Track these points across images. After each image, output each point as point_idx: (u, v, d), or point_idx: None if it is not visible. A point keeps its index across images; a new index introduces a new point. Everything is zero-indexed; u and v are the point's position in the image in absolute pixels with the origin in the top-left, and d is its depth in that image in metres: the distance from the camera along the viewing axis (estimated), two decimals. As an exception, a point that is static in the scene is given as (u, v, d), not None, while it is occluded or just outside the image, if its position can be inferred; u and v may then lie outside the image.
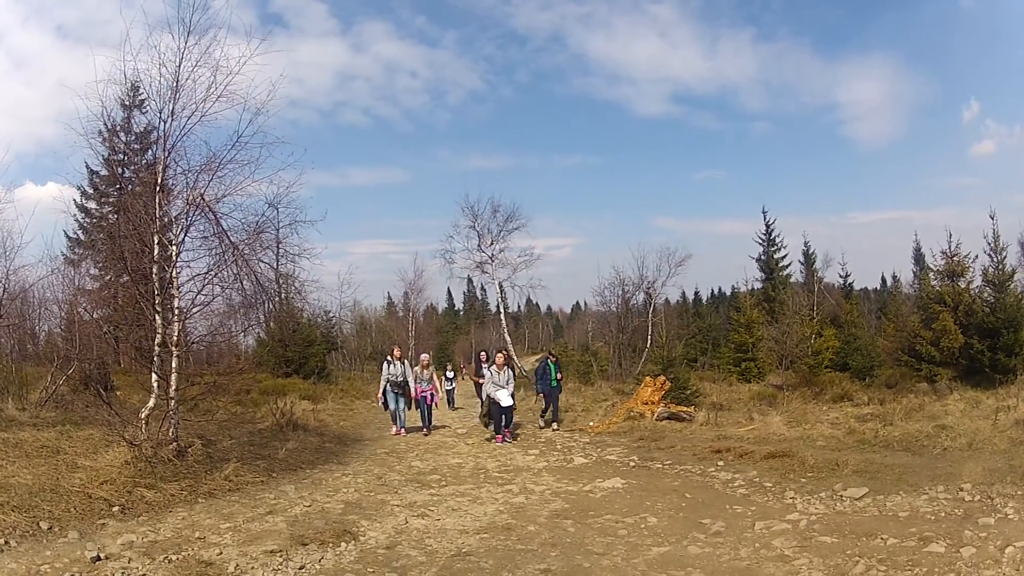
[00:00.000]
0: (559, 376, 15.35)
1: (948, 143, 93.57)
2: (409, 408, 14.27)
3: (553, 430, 14.07)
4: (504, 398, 12.68)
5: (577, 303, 69.91)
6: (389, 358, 14.28)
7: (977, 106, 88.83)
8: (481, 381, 15.33)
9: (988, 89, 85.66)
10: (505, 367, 13.33)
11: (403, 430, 13.93)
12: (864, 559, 5.41)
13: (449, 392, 21.12)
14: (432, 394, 14.38)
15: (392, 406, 14.01)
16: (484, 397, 14.10)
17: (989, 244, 23.65)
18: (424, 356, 15.53)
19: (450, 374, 22.26)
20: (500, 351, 15.07)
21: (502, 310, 37.29)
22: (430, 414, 14.43)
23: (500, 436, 12.55)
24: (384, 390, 13.98)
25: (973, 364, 21.51)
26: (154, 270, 9.07)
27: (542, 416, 15.15)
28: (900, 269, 62.75)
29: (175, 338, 9.01)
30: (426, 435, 13.67)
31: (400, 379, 13.83)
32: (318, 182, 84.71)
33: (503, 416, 12.81)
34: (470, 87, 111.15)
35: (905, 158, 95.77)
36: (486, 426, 13.94)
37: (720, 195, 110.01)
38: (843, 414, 12.87)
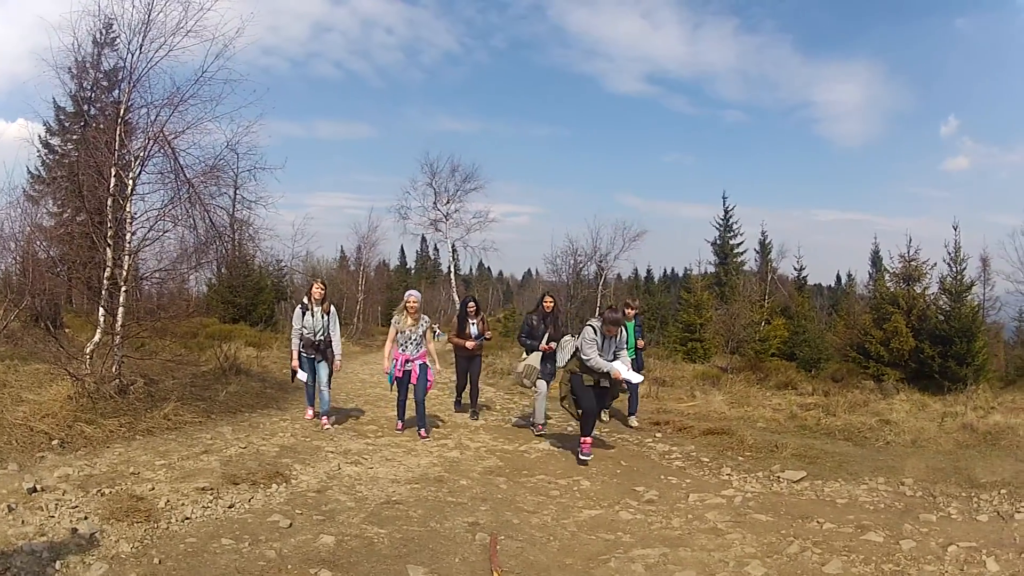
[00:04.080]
0: (639, 342, 10.36)
1: (921, 154, 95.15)
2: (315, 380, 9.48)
3: (631, 427, 10.17)
4: (633, 375, 8.30)
5: (529, 271, 70.18)
6: (305, 301, 9.35)
7: (956, 123, 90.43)
8: (468, 345, 10.34)
9: (970, 108, 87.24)
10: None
11: (325, 418, 9.28)
12: (799, 540, 5.44)
13: None
14: (423, 365, 9.02)
15: (306, 378, 9.39)
16: (566, 374, 8.50)
17: (950, 254, 24.12)
18: (412, 295, 9.18)
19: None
20: (628, 305, 10.46)
21: (453, 270, 37.38)
22: (420, 407, 9.05)
23: (588, 442, 7.94)
24: (300, 353, 9.29)
25: (922, 368, 21.89)
26: (109, 203, 9.00)
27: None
28: (856, 269, 63.79)
29: (124, 274, 8.95)
30: (424, 436, 8.83)
31: (321, 337, 9.23)
32: (283, 131, 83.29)
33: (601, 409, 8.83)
34: (446, 48, 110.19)
35: (875, 163, 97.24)
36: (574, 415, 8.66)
37: (686, 179, 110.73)
38: (786, 401, 12.82)
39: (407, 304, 9.08)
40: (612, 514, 6.10)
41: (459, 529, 5.45)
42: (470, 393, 10.76)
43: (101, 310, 9.24)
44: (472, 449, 8.44)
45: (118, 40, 10.16)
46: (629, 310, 10.33)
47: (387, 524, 5.45)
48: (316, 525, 5.33)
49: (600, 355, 7.98)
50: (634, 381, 8.43)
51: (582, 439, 7.94)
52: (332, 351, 9.34)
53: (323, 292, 9.52)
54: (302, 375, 9.39)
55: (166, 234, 9.61)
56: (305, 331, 9.27)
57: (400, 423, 9.37)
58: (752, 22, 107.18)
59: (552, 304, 9.98)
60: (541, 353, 9.49)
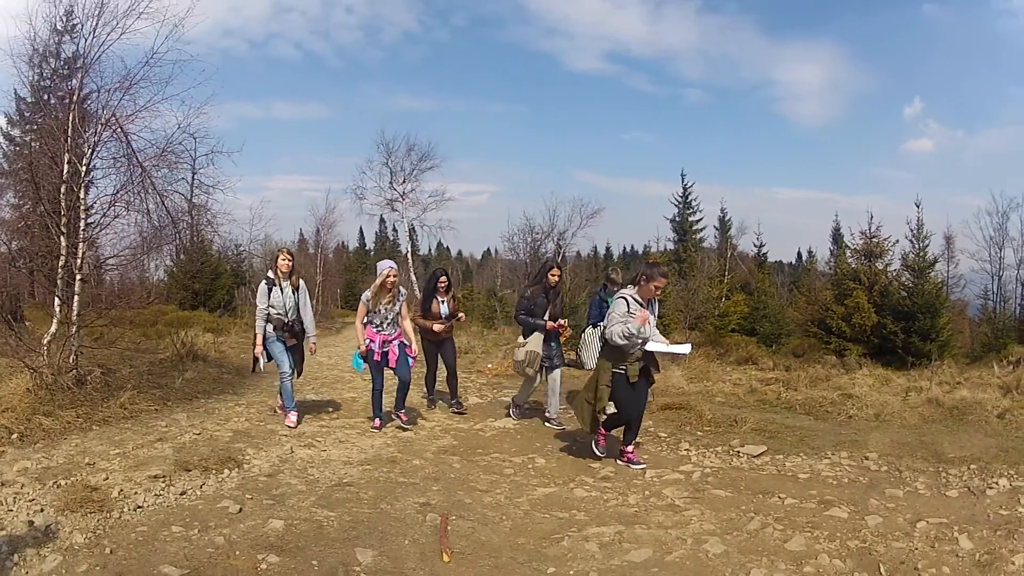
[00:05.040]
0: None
1: (884, 135, 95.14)
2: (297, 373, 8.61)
3: None
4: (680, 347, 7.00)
5: (488, 249, 70.24)
6: (271, 276, 8.26)
7: (921, 105, 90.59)
8: (435, 328, 9.18)
9: (936, 92, 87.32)
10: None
11: (293, 414, 8.28)
12: (760, 515, 5.42)
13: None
14: (402, 344, 8.17)
15: (284, 365, 8.23)
16: (604, 374, 6.79)
17: (912, 231, 24.58)
18: (389, 267, 8.17)
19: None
20: (610, 279, 8.87)
21: (410, 251, 37.31)
22: (404, 389, 8.28)
23: (631, 450, 7.00)
24: (265, 337, 8.21)
25: (885, 344, 22.29)
26: (62, 190, 8.93)
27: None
28: (817, 247, 64.61)
29: (79, 262, 8.88)
30: (406, 428, 8.24)
31: (292, 316, 8.24)
32: (241, 113, 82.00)
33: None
34: (405, 27, 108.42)
35: (837, 142, 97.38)
36: (599, 428, 7.00)
37: (646, 157, 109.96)
38: (746, 376, 12.89)
39: (386, 278, 8.02)
40: (567, 492, 6.08)
41: (410, 510, 5.47)
42: (448, 381, 9.49)
43: (57, 300, 9.15)
44: (426, 429, 8.43)
45: (77, 27, 10.10)
46: (612, 285, 8.81)
47: (337, 507, 5.46)
48: (266, 510, 5.34)
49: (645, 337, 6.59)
50: (685, 352, 7.01)
51: (626, 450, 6.96)
52: (305, 332, 8.38)
53: (291, 263, 8.36)
54: (262, 365, 8.35)
55: (118, 219, 9.52)
56: (273, 311, 8.16)
57: (378, 420, 8.25)
58: (715, 2, 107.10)
59: (559, 277, 8.74)
60: (543, 336, 8.44)
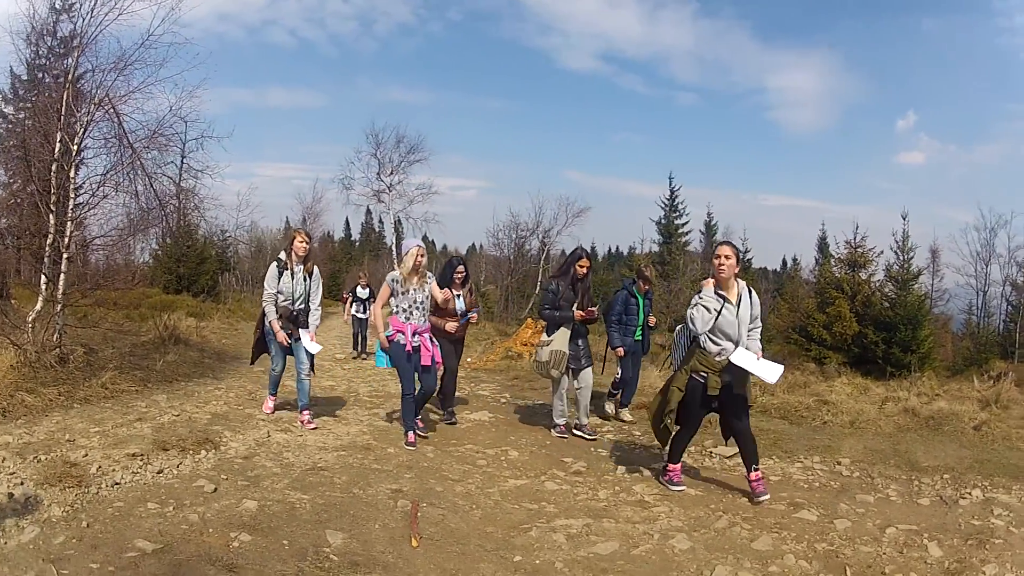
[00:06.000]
0: (650, 318, 8.81)
1: (876, 146, 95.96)
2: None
3: (624, 420, 8.78)
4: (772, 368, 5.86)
5: (473, 245, 70.34)
6: (283, 258, 7.60)
7: (914, 118, 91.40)
8: (448, 327, 8.03)
9: (930, 106, 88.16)
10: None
11: (306, 413, 7.73)
12: (728, 515, 5.46)
13: (360, 323, 14.00)
14: (429, 338, 7.28)
15: (276, 361, 7.81)
16: (682, 375, 5.99)
17: (897, 242, 24.81)
18: (413, 244, 7.19)
19: (363, 292, 14.39)
20: (642, 275, 8.52)
21: (396, 243, 37.64)
22: (425, 399, 7.62)
23: (675, 469, 6.22)
24: (266, 327, 7.68)
25: (866, 353, 22.43)
26: (53, 168, 9.02)
27: (612, 394, 9.00)
28: (802, 255, 65.12)
29: (67, 241, 8.96)
30: (451, 423, 8.14)
31: (301, 306, 7.61)
32: (234, 98, 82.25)
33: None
34: (400, 19, 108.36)
35: (827, 152, 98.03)
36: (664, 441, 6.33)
37: (635, 158, 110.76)
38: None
39: (416, 258, 7.01)
40: (538, 484, 6.14)
41: (382, 496, 5.56)
42: (444, 388, 8.45)
43: (43, 278, 9.24)
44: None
45: (75, 7, 10.20)
46: (645, 283, 8.57)
47: (310, 490, 5.56)
48: (240, 490, 5.43)
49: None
50: (774, 375, 5.84)
51: (671, 466, 6.25)
52: (308, 322, 7.71)
53: (308, 247, 7.67)
54: (275, 356, 7.75)
55: (106, 200, 9.65)
56: (281, 297, 7.51)
57: (413, 433, 7.27)
58: (711, 7, 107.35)
59: (588, 267, 7.80)
60: (570, 332, 7.65)
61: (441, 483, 6.03)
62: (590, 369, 7.85)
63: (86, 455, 5.85)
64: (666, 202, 42.65)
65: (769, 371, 5.80)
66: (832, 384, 13.32)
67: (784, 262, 66.73)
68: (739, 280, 5.87)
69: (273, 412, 8.06)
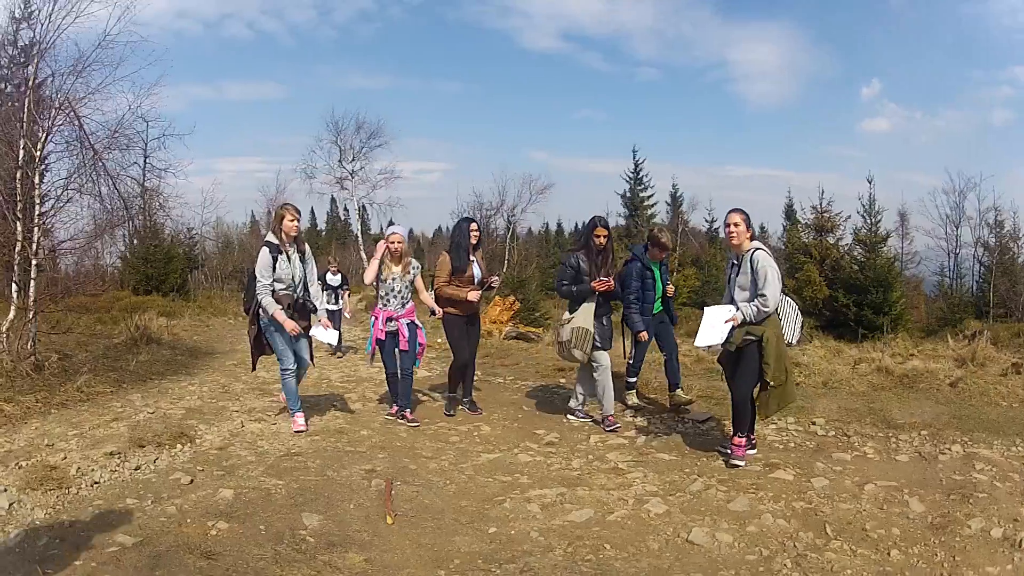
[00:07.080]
0: (668, 287, 7.83)
1: (840, 115, 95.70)
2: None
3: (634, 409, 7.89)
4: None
5: (440, 227, 70.47)
6: (273, 241, 6.60)
7: (879, 85, 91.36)
8: (470, 296, 7.36)
9: (894, 73, 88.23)
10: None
11: (300, 416, 7.09)
12: (703, 478, 5.51)
13: (333, 316, 11.55)
14: (412, 324, 7.29)
15: (286, 358, 6.84)
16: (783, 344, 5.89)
17: (864, 207, 25.10)
18: (395, 231, 7.12)
19: (335, 279, 12.56)
20: (658, 239, 7.59)
21: (360, 230, 37.61)
22: (411, 374, 7.47)
23: (744, 442, 5.95)
24: (260, 321, 6.79)
25: (837, 317, 22.74)
26: (17, 176, 9.00)
27: (630, 384, 8.07)
28: (769, 222, 65.78)
29: (34, 247, 8.97)
30: (411, 419, 7.37)
31: (300, 293, 6.75)
32: (192, 94, 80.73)
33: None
34: (359, 6, 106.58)
35: (791, 122, 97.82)
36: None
37: (598, 135, 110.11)
38: (694, 346, 13.00)
39: (389, 244, 6.94)
40: (511, 457, 6.24)
41: (356, 477, 5.67)
42: (461, 373, 7.79)
43: (14, 286, 9.24)
44: (374, 401, 8.57)
45: (34, 14, 10.17)
46: (661, 250, 7.64)
47: (285, 475, 5.66)
48: (216, 480, 5.54)
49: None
50: (698, 343, 6.10)
51: (738, 440, 5.95)
52: (310, 314, 6.91)
53: (297, 222, 6.69)
54: (282, 354, 6.83)
55: (71, 204, 9.65)
56: (280, 285, 6.59)
57: (396, 407, 7.48)
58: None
59: (606, 238, 7.09)
60: (594, 306, 6.96)
61: (415, 461, 6.13)
62: (608, 353, 7.15)
63: (65, 458, 5.91)
64: (631, 175, 42.91)
65: (706, 334, 5.94)
66: (804, 347, 13.47)
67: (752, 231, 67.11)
68: (754, 245, 5.88)
69: (307, 428, 7.07)
